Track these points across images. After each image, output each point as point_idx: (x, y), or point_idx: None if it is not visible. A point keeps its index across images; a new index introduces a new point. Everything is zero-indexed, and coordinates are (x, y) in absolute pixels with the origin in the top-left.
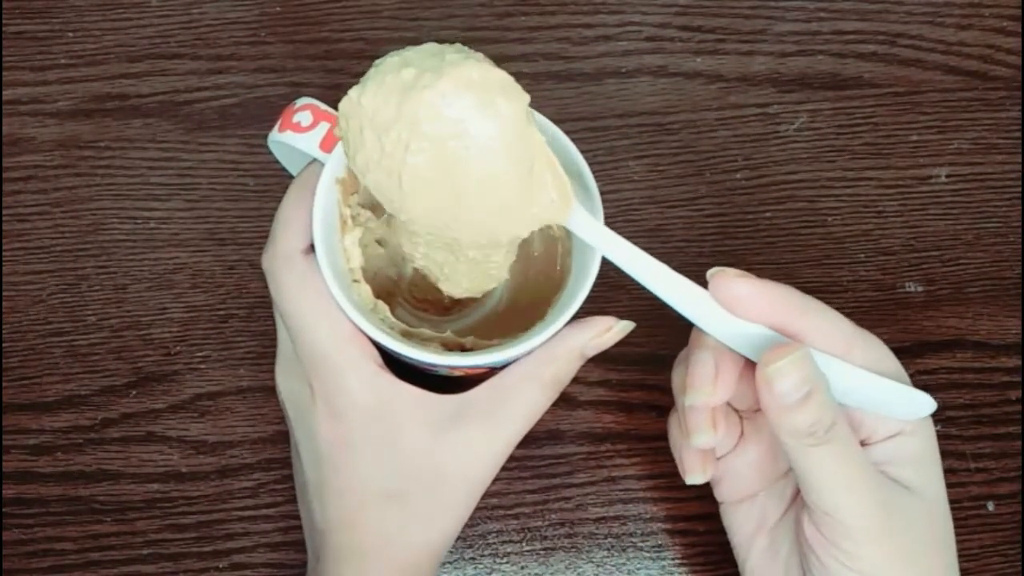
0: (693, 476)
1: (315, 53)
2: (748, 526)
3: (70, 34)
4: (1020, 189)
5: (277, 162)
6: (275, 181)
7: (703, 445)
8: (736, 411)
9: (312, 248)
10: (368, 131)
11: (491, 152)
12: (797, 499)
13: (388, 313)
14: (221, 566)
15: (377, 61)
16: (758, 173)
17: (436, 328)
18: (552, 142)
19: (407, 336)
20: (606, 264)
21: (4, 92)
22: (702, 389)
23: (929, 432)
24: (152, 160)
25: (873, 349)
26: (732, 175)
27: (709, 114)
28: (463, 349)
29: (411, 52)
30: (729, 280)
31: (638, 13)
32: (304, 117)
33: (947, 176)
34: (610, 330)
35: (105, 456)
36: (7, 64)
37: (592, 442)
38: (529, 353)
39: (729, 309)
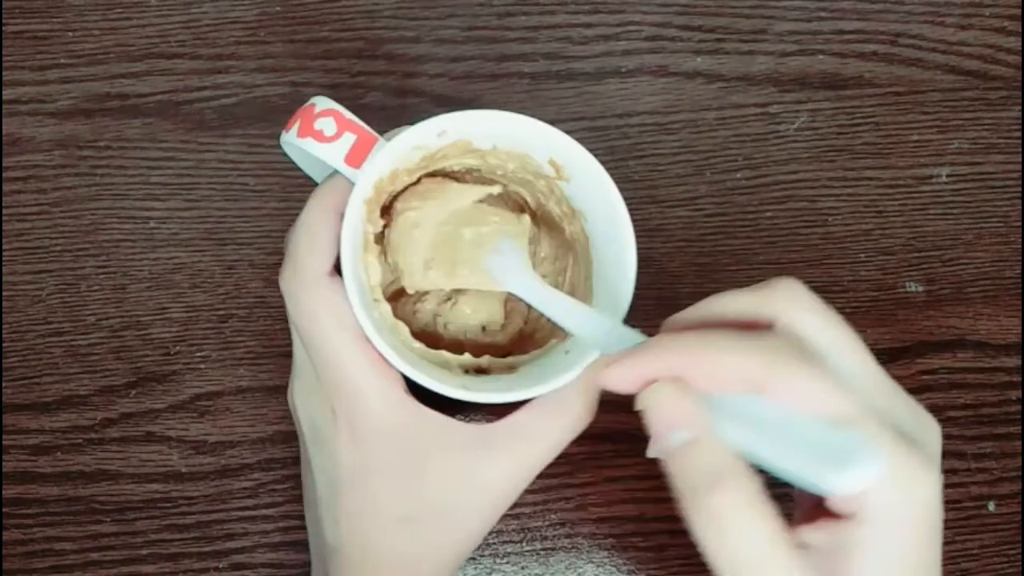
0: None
1: (315, 53)
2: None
3: (70, 34)
4: (1020, 189)
5: (284, 161)
6: (275, 181)
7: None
8: None
9: (335, 269)
10: None
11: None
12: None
13: (408, 334)
14: (221, 566)
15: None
16: (758, 173)
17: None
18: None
19: (425, 357)
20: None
21: (4, 92)
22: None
23: (909, 519)
24: (152, 160)
25: (803, 387)
26: (732, 175)
27: (709, 114)
28: (479, 369)
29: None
30: (602, 375)
31: (638, 13)
32: (327, 125)
33: (947, 176)
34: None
35: (105, 456)
36: (7, 64)
37: (592, 442)
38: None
39: (621, 391)
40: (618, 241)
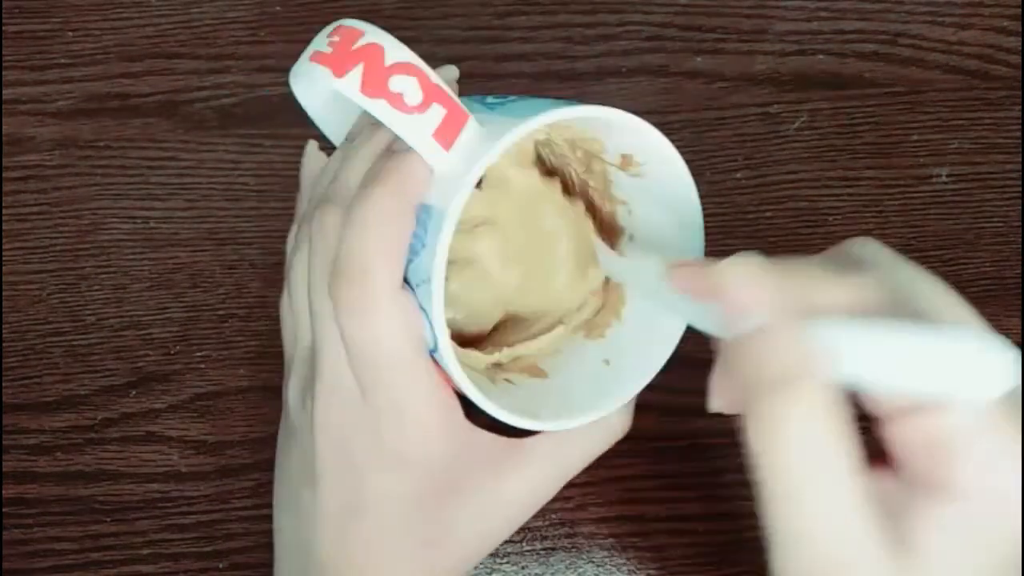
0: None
1: None
2: None
3: (69, 33)
4: (1020, 189)
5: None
6: (275, 181)
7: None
8: None
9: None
10: None
11: None
12: None
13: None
14: (221, 566)
15: None
16: (758, 173)
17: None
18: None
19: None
20: None
21: (4, 92)
22: None
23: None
24: (152, 160)
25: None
26: (732, 175)
27: (709, 114)
28: (497, 364)
29: None
30: (673, 273)
31: (639, 12)
32: (410, 89)
33: (947, 176)
34: None
35: (105, 456)
36: (7, 64)
37: None
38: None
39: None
40: (685, 241)
